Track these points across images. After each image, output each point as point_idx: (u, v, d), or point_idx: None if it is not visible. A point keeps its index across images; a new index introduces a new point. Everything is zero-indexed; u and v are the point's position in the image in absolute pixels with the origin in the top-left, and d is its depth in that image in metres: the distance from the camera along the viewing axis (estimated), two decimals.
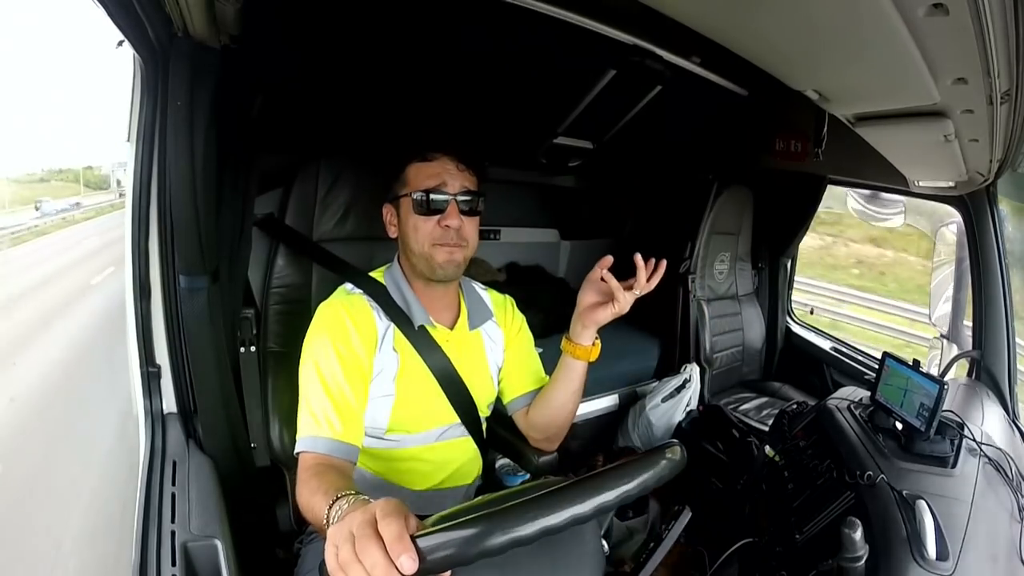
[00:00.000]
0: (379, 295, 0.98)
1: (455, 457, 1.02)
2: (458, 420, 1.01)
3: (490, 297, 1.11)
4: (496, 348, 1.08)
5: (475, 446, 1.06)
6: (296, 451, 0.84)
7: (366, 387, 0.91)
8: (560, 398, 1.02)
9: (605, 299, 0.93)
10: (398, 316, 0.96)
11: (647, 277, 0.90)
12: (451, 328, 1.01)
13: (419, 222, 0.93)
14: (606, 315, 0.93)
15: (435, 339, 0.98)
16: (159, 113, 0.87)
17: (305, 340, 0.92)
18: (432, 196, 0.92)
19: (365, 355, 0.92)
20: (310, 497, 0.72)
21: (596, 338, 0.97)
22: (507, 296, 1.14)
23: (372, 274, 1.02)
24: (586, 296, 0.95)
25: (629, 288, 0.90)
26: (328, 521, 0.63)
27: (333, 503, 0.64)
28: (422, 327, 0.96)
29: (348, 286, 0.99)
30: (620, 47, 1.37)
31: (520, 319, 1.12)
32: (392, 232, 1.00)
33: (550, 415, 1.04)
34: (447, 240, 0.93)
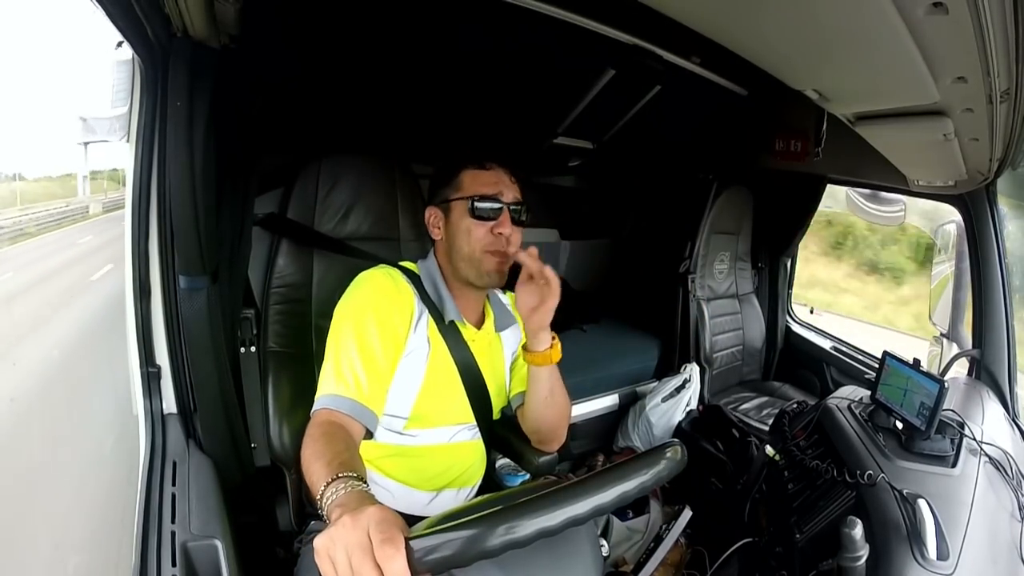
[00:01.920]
0: (415, 280, 0.99)
1: (463, 459, 1.03)
2: (473, 421, 1.02)
3: (509, 300, 1.12)
4: (513, 352, 1.09)
5: (483, 449, 1.06)
6: (314, 408, 0.82)
7: (397, 359, 0.91)
8: (537, 403, 1.02)
9: (539, 300, 0.94)
10: (431, 306, 0.97)
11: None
12: (478, 328, 1.02)
13: (473, 226, 0.94)
14: (545, 310, 0.93)
15: (464, 336, 0.99)
16: (159, 113, 0.87)
17: (341, 303, 0.92)
18: (489, 203, 0.94)
19: (402, 329, 0.92)
20: (312, 460, 0.70)
21: (554, 337, 0.97)
22: None
23: (404, 264, 1.02)
24: (523, 304, 0.95)
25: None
26: (322, 499, 0.62)
27: (331, 482, 0.62)
28: (452, 322, 0.97)
29: (386, 265, 1.00)
30: (620, 47, 1.37)
31: None
32: (436, 234, 1.00)
33: (534, 417, 1.04)
34: (499, 247, 0.94)
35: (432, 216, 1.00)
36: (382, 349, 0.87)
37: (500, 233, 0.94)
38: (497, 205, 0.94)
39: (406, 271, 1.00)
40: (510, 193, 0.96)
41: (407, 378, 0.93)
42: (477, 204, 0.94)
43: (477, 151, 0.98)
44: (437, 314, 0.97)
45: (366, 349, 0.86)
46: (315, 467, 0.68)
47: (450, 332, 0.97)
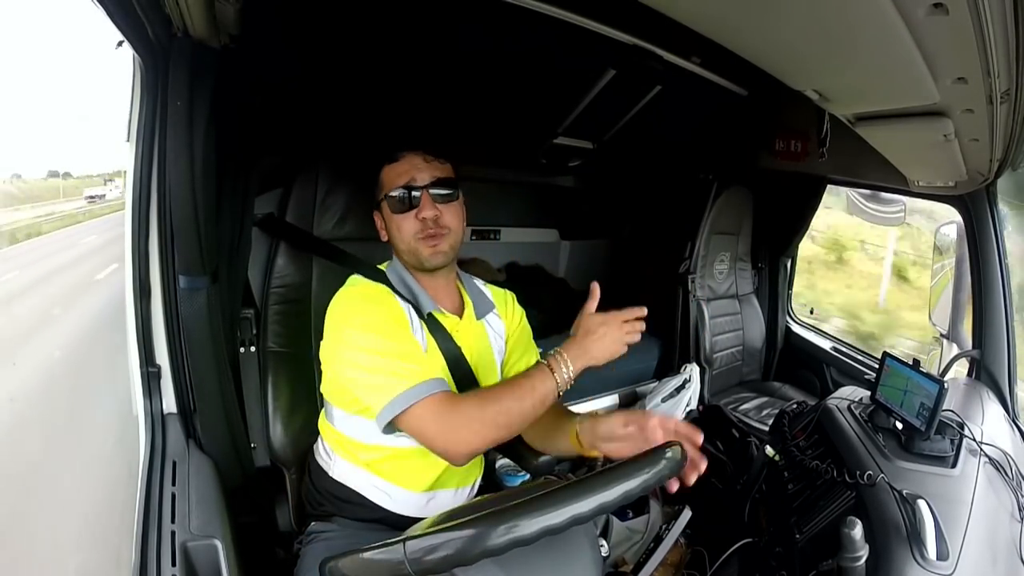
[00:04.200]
0: (390, 283, 0.99)
1: None
2: None
3: (490, 291, 1.12)
4: (499, 340, 1.08)
5: None
6: (395, 413, 0.81)
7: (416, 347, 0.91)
8: (536, 436, 1.03)
9: (631, 436, 0.84)
10: (411, 303, 0.97)
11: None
12: (460, 317, 1.02)
13: (399, 221, 0.96)
14: (628, 451, 0.84)
15: (446, 327, 0.99)
16: (159, 113, 0.87)
17: (337, 322, 0.91)
18: (404, 193, 0.95)
19: (405, 328, 0.92)
20: (501, 397, 0.82)
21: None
22: (507, 291, 1.15)
23: (379, 267, 1.03)
24: (616, 426, 0.86)
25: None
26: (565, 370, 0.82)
27: (552, 369, 0.82)
28: (431, 314, 0.97)
29: (358, 276, 1.00)
30: (620, 47, 1.37)
31: (520, 312, 1.13)
32: (384, 236, 1.02)
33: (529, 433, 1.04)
34: (427, 231, 0.95)
35: (376, 220, 1.02)
36: (401, 343, 0.89)
37: (424, 218, 0.94)
38: (413, 193, 0.94)
39: (380, 275, 1.00)
40: (425, 175, 0.95)
41: None
42: (391, 197, 0.95)
43: (391, 144, 0.99)
44: (416, 309, 0.97)
45: (390, 350, 0.85)
46: (519, 383, 0.84)
47: (433, 325, 0.98)
